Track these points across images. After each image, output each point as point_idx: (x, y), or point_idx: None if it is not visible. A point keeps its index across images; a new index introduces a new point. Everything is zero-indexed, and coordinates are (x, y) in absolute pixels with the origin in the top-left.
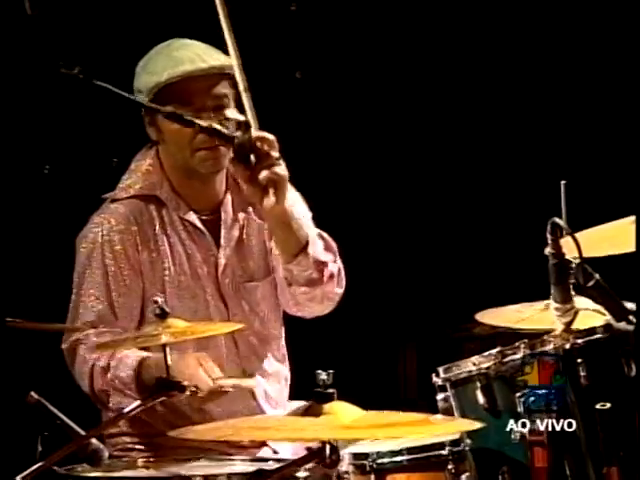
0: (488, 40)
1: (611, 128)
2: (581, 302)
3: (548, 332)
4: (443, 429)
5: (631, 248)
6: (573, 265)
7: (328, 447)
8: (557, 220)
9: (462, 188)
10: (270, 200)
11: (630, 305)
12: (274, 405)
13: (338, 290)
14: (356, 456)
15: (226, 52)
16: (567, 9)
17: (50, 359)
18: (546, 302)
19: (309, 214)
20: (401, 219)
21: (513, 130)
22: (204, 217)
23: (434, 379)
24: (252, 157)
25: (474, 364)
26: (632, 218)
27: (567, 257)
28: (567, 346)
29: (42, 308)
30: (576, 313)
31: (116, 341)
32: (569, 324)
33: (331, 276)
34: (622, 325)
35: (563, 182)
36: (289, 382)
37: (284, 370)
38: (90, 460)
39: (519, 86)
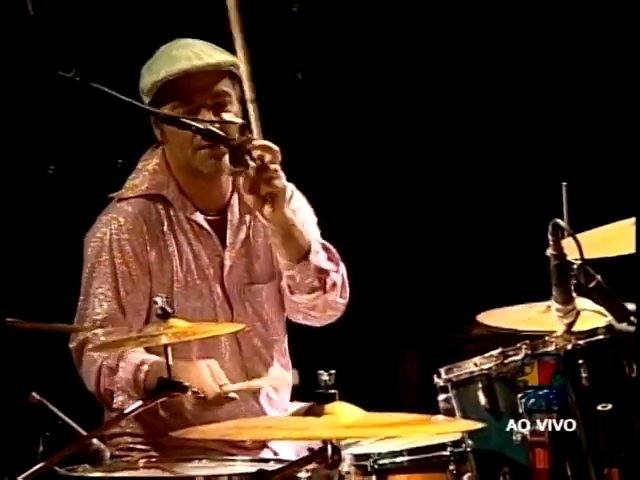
0: (490, 43)
1: (612, 130)
2: (582, 303)
3: (549, 333)
4: (444, 429)
5: (632, 249)
6: (574, 266)
7: (330, 447)
8: (558, 221)
9: (463, 190)
10: (268, 210)
11: (631, 306)
12: (276, 408)
13: (340, 300)
14: (357, 457)
15: (231, 51)
16: (568, 12)
17: (51, 359)
18: (547, 304)
19: (314, 219)
20: (402, 221)
21: (515, 132)
22: (210, 217)
23: (435, 380)
24: (249, 160)
25: (475, 365)
26: (633, 219)
27: (568, 258)
28: (568, 347)
29: (45, 308)
30: (577, 314)
31: (118, 341)
32: (570, 325)
33: (333, 285)
34: (623, 326)
35: (564, 184)
36: (290, 388)
37: (287, 376)
38: (91, 460)
39: (521, 88)
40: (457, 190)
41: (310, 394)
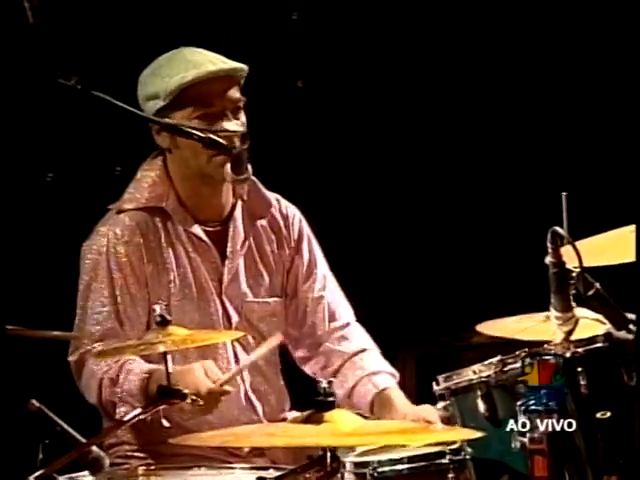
0: (490, 51)
1: (610, 139)
2: (581, 311)
3: (548, 342)
4: (443, 437)
5: (631, 258)
6: (573, 274)
7: (329, 455)
8: (557, 229)
9: (463, 199)
10: None
11: (631, 315)
12: (271, 410)
13: None
14: (357, 465)
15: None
16: (569, 21)
17: (51, 367)
18: (546, 314)
19: (329, 273)
20: (401, 228)
21: (514, 141)
22: (210, 229)
23: (434, 388)
24: (249, 168)
25: (474, 372)
26: (631, 227)
27: (567, 266)
28: (567, 355)
29: (43, 316)
30: (576, 322)
31: (117, 349)
32: (569, 333)
33: None
34: (622, 334)
35: (564, 194)
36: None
37: (285, 393)
38: (91, 468)
39: (520, 97)
40: (458, 199)
41: (309, 402)
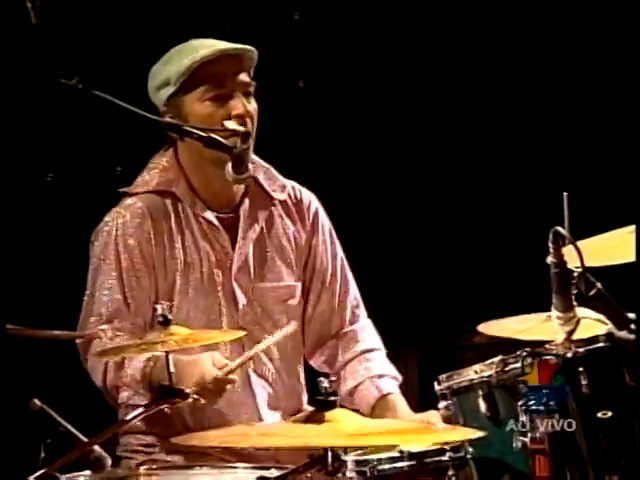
0: (491, 51)
1: (612, 139)
2: (583, 311)
3: (550, 342)
4: (444, 437)
5: (633, 258)
6: (575, 274)
7: (330, 454)
8: (559, 229)
9: (465, 199)
10: None
11: (632, 315)
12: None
13: None
14: (357, 463)
15: None
16: (570, 22)
17: (53, 366)
18: (548, 314)
19: (344, 262)
20: (403, 228)
21: (516, 142)
22: (222, 215)
23: (436, 387)
24: (250, 165)
25: (476, 372)
26: (632, 227)
27: (569, 266)
28: (569, 355)
29: (44, 315)
30: (578, 322)
31: (120, 347)
32: (571, 333)
33: None
34: (623, 334)
35: (565, 194)
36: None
37: (298, 386)
38: (92, 467)
39: (522, 97)
40: (460, 200)
41: (311, 401)
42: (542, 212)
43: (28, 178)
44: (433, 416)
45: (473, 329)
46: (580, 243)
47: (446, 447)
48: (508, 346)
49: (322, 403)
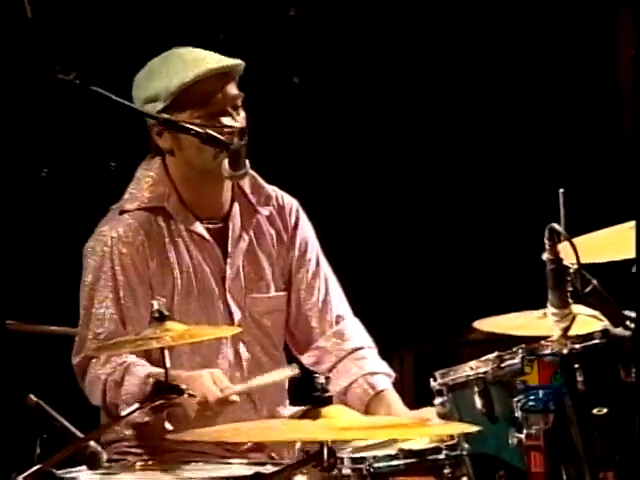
0: (487, 49)
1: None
2: (578, 307)
3: (545, 338)
4: (439, 432)
5: (629, 254)
6: (571, 271)
7: (326, 450)
8: (555, 226)
9: (461, 196)
10: None
11: (628, 312)
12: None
13: None
14: (353, 460)
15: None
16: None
17: (49, 362)
18: (544, 310)
19: (316, 241)
20: (399, 224)
21: (511, 139)
22: (211, 226)
23: (432, 384)
24: (247, 163)
25: (472, 369)
26: (630, 224)
27: (565, 262)
28: (564, 351)
29: (40, 310)
30: (574, 318)
31: (117, 343)
32: (566, 329)
33: None
34: (619, 331)
35: (561, 190)
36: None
37: (284, 388)
38: (88, 463)
39: (518, 95)
40: (455, 197)
41: (307, 397)
42: (538, 209)
43: (23, 173)
44: (428, 413)
45: (469, 325)
46: (576, 240)
47: (442, 445)
48: (504, 342)
49: (318, 399)
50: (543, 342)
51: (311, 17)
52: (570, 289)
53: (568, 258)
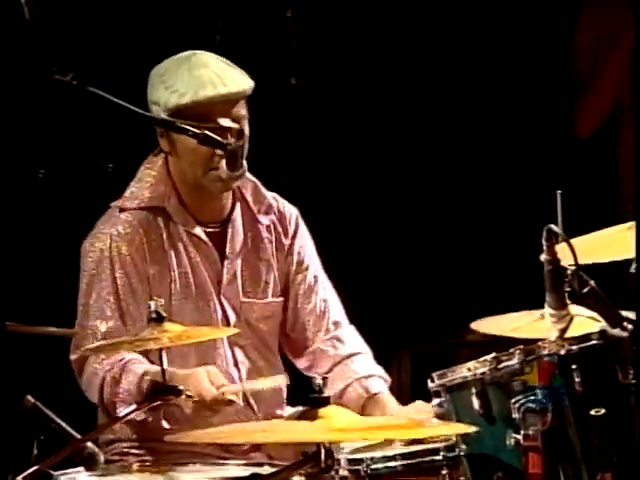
0: (486, 52)
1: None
2: (576, 309)
3: (543, 340)
4: (436, 432)
5: (627, 255)
6: (568, 272)
7: (323, 451)
8: (552, 227)
9: (459, 197)
10: None
11: (627, 314)
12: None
13: None
14: (351, 461)
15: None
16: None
17: (46, 363)
18: (542, 311)
19: (315, 253)
20: (397, 226)
21: (509, 140)
22: (210, 230)
23: (429, 385)
24: (244, 164)
25: (469, 370)
26: (628, 224)
27: (562, 264)
28: (562, 352)
29: (37, 311)
30: (571, 319)
31: (113, 344)
32: (564, 330)
33: None
34: (617, 332)
35: (559, 191)
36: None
37: (282, 391)
38: (86, 464)
39: (516, 96)
40: (453, 198)
41: (304, 398)
42: (535, 210)
43: (20, 174)
44: (420, 406)
45: (467, 327)
46: (573, 241)
47: (440, 446)
48: (502, 344)
49: (315, 400)
50: (541, 343)
51: (308, 18)
52: (568, 290)
53: (566, 259)
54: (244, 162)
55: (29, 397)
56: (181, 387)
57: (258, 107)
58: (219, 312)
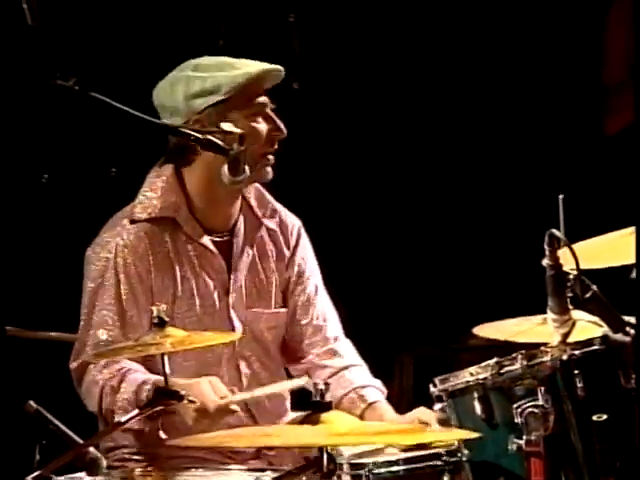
0: (488, 53)
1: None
2: (578, 313)
3: (545, 344)
4: (438, 438)
5: (628, 260)
6: (570, 276)
7: (325, 456)
8: (555, 231)
9: (461, 202)
10: None
11: (628, 318)
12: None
13: None
14: (353, 466)
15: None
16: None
17: (49, 368)
18: (544, 316)
19: (317, 267)
20: (399, 231)
21: (511, 144)
22: (217, 239)
23: (431, 389)
24: (246, 169)
25: (471, 374)
26: (629, 230)
27: (564, 269)
28: (564, 357)
29: (39, 317)
30: (573, 324)
31: (115, 349)
32: (566, 335)
33: None
34: (619, 337)
35: (561, 196)
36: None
37: (284, 400)
38: (88, 469)
39: (518, 100)
40: (455, 202)
41: (306, 403)
42: (538, 215)
43: (23, 179)
44: (423, 413)
45: (469, 331)
46: (575, 246)
47: (442, 451)
48: (504, 348)
49: (318, 405)
50: (543, 348)
51: (310, 23)
52: (570, 295)
53: (568, 264)
54: (246, 167)
55: (31, 402)
56: (183, 392)
57: None
58: (225, 323)
